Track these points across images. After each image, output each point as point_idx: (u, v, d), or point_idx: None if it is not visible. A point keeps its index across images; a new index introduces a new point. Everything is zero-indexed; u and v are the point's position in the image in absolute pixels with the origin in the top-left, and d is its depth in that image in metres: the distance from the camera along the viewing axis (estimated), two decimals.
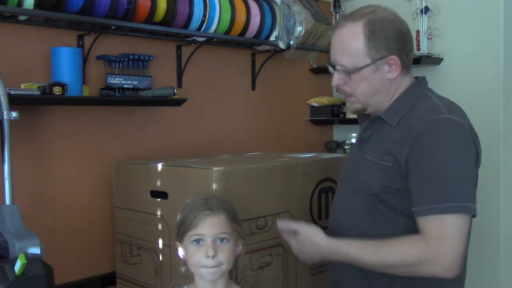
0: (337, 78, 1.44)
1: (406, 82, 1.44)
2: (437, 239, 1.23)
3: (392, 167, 1.33)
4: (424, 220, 1.26)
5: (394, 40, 1.36)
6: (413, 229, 1.31)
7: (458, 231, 1.24)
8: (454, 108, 1.36)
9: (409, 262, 1.28)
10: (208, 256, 1.29)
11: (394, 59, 1.37)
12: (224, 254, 1.31)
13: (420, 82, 1.46)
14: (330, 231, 1.50)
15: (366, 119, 1.54)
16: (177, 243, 1.39)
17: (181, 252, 1.39)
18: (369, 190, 1.39)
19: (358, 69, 1.38)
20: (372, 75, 1.38)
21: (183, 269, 1.39)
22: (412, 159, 1.30)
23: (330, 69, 1.47)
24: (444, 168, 1.26)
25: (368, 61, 1.37)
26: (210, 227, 1.32)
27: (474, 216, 1.28)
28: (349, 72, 1.39)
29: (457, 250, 1.23)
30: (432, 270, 1.25)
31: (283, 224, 1.52)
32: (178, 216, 1.39)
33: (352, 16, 1.40)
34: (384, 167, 1.35)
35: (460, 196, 1.25)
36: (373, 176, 1.38)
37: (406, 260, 1.28)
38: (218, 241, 1.32)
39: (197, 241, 1.32)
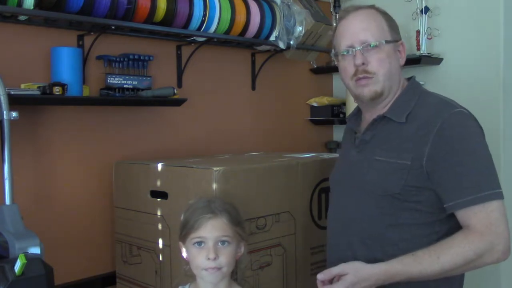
0: (360, 57, 1.40)
1: (402, 79, 1.48)
2: (489, 228, 1.25)
3: (411, 165, 1.33)
4: (467, 213, 1.27)
5: (398, 28, 1.45)
6: (429, 228, 1.33)
7: (503, 215, 1.28)
8: (456, 103, 1.40)
9: (470, 258, 1.26)
10: (209, 259, 1.29)
11: (403, 44, 1.45)
12: (225, 257, 1.32)
13: (414, 80, 1.50)
14: (333, 238, 1.50)
15: (357, 122, 1.56)
16: (180, 243, 1.40)
17: (184, 252, 1.39)
18: (385, 191, 1.37)
19: (387, 42, 1.41)
20: (393, 54, 1.43)
21: (186, 268, 1.39)
22: (436, 156, 1.30)
23: (347, 53, 1.43)
24: (473, 159, 1.29)
25: (390, 38, 1.42)
26: (212, 230, 1.32)
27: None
28: (374, 47, 1.39)
29: (507, 233, 1.27)
30: (493, 258, 1.27)
31: (322, 276, 1.33)
32: (182, 217, 1.40)
33: (359, 6, 1.46)
34: (402, 166, 1.34)
35: (494, 182, 1.30)
36: (389, 176, 1.36)
37: (467, 258, 1.27)
38: (219, 243, 1.32)
39: (199, 243, 1.33)
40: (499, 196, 1.28)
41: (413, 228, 1.35)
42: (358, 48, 1.40)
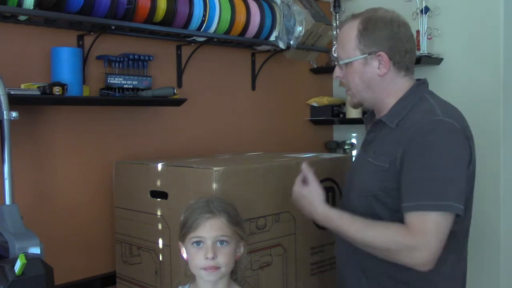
0: (337, 71, 1.53)
1: (405, 84, 1.48)
2: (419, 232, 1.28)
3: (389, 168, 1.38)
4: (409, 216, 1.31)
5: (386, 38, 1.44)
6: None
7: (439, 228, 1.28)
8: (449, 110, 1.40)
9: (389, 247, 1.33)
10: (207, 258, 1.30)
11: (382, 55, 1.44)
12: (224, 257, 1.32)
13: (420, 85, 1.50)
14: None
15: (371, 121, 1.58)
16: (180, 243, 1.40)
17: (184, 252, 1.39)
18: (368, 191, 1.45)
19: (349, 61, 1.47)
20: (362, 68, 1.46)
21: (186, 268, 1.39)
22: (404, 158, 1.35)
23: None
24: (432, 167, 1.30)
25: (358, 54, 1.46)
26: (210, 229, 1.33)
27: (458, 215, 1.31)
28: (342, 63, 1.50)
29: (435, 247, 1.28)
30: (410, 260, 1.30)
31: (305, 169, 1.56)
32: (181, 217, 1.40)
33: (356, 14, 1.50)
34: (382, 168, 1.40)
35: (445, 195, 1.29)
36: (372, 177, 1.44)
37: (387, 244, 1.33)
38: (218, 243, 1.33)
39: (197, 243, 1.33)
40: (445, 208, 1.28)
41: None
42: (336, 62, 1.53)
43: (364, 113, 2.78)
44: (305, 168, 1.56)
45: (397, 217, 1.36)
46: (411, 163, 1.33)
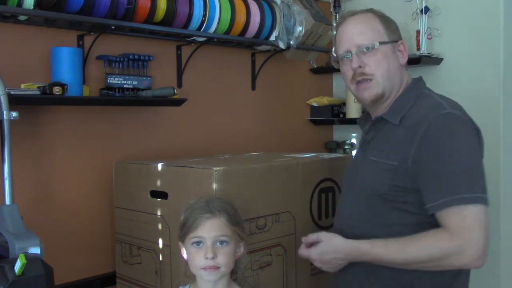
0: (356, 60, 1.44)
1: (407, 76, 1.49)
2: (461, 231, 1.24)
3: (398, 166, 1.34)
4: (444, 214, 1.26)
5: (398, 29, 1.47)
6: (419, 229, 1.31)
7: (480, 220, 1.24)
8: (454, 104, 1.39)
9: (435, 256, 1.27)
10: (207, 258, 1.30)
11: (404, 44, 1.46)
12: (224, 257, 1.32)
13: (418, 81, 1.50)
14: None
15: (367, 122, 1.56)
16: (180, 243, 1.40)
17: (184, 252, 1.39)
18: (373, 190, 1.40)
19: (381, 43, 1.42)
20: (391, 55, 1.44)
21: (186, 268, 1.39)
22: (421, 157, 1.30)
23: (344, 57, 1.47)
24: (455, 161, 1.27)
25: (387, 39, 1.44)
26: (210, 229, 1.33)
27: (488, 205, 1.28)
28: (370, 49, 1.42)
29: (482, 240, 1.23)
30: (460, 262, 1.25)
31: (304, 239, 1.50)
32: (181, 217, 1.40)
33: (356, 11, 1.49)
34: (390, 167, 1.36)
35: (476, 186, 1.26)
36: (378, 176, 1.39)
37: (432, 255, 1.27)
38: (218, 243, 1.33)
39: (197, 243, 1.33)
40: (478, 200, 1.25)
41: (402, 229, 1.35)
42: (354, 52, 1.44)
43: (363, 111, 2.79)
44: (304, 239, 1.49)
45: (409, 219, 1.34)
46: (430, 159, 1.29)
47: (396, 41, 1.45)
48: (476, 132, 1.35)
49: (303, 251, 1.49)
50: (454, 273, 1.37)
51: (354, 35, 1.45)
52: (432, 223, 1.31)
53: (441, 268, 1.30)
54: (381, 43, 1.42)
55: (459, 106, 1.39)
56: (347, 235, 1.43)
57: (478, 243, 1.23)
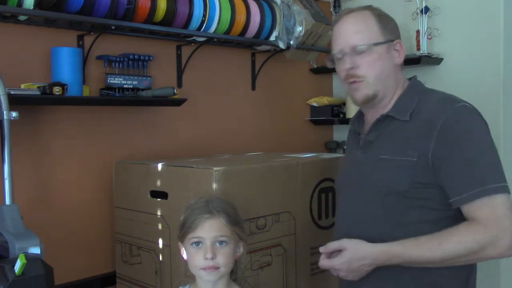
0: (349, 61, 1.42)
1: (403, 78, 1.48)
2: (494, 221, 1.24)
3: (417, 162, 1.32)
4: (472, 206, 1.26)
5: (397, 27, 1.45)
6: (438, 226, 1.29)
7: (508, 209, 1.25)
8: (460, 98, 1.40)
9: (473, 249, 1.25)
10: (206, 258, 1.30)
11: (401, 43, 1.43)
12: (223, 257, 1.32)
13: (416, 80, 1.50)
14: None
15: (360, 125, 1.54)
16: (179, 243, 1.40)
17: (183, 253, 1.39)
18: (390, 190, 1.36)
19: (376, 44, 1.40)
20: (386, 55, 1.41)
21: (186, 268, 1.39)
22: (441, 151, 1.30)
23: (338, 56, 1.45)
24: (478, 153, 1.29)
25: (382, 39, 1.41)
26: (209, 230, 1.33)
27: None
28: (363, 50, 1.40)
29: None
30: (496, 252, 1.25)
31: (323, 249, 1.40)
32: (181, 217, 1.40)
33: (353, 9, 1.47)
34: (408, 163, 1.33)
35: (499, 176, 1.28)
36: (395, 174, 1.35)
37: (469, 248, 1.25)
38: (217, 243, 1.33)
39: (197, 243, 1.33)
40: (505, 190, 1.27)
41: (421, 226, 1.33)
42: (347, 52, 1.42)
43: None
44: (323, 249, 1.39)
45: (425, 215, 1.33)
46: (452, 153, 1.29)
47: (393, 41, 1.43)
48: (486, 125, 1.37)
49: (324, 262, 1.38)
50: (470, 267, 1.38)
51: (349, 34, 1.43)
52: (452, 218, 1.31)
53: (476, 261, 1.31)
54: (375, 44, 1.40)
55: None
56: (361, 239, 1.37)
57: (510, 232, 1.24)
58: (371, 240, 1.35)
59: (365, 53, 1.40)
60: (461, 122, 1.31)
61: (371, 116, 1.49)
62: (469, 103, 1.36)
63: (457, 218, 1.32)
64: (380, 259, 1.32)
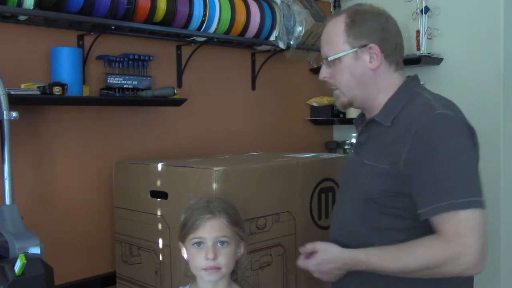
0: (323, 71, 1.45)
1: (396, 80, 1.41)
2: (456, 237, 1.19)
3: (390, 170, 1.30)
4: (438, 220, 1.22)
5: (375, 30, 1.37)
6: (412, 234, 1.27)
7: (475, 225, 1.19)
8: (446, 103, 1.33)
9: (432, 264, 1.22)
10: (208, 259, 1.30)
11: (374, 47, 1.36)
12: (224, 257, 1.32)
13: (411, 80, 1.44)
14: (330, 240, 1.47)
15: (362, 123, 1.52)
16: (180, 244, 1.40)
17: (184, 253, 1.39)
18: (367, 195, 1.36)
19: (338, 57, 1.39)
20: (353, 64, 1.38)
21: (186, 268, 1.39)
22: (412, 160, 1.26)
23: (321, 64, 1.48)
24: (448, 164, 1.22)
25: (347, 48, 1.38)
26: (210, 230, 1.32)
27: (484, 209, 1.23)
28: (330, 60, 1.40)
29: (478, 245, 1.18)
30: (459, 268, 1.20)
31: (302, 249, 1.46)
32: (181, 217, 1.40)
33: (334, 14, 1.47)
34: (381, 170, 1.31)
35: (470, 190, 1.21)
36: (371, 180, 1.35)
37: (428, 262, 1.22)
38: (218, 244, 1.32)
39: (198, 243, 1.33)
40: (476, 204, 1.20)
41: (395, 234, 1.31)
42: (323, 61, 1.44)
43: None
44: (301, 249, 1.45)
45: (398, 223, 1.31)
46: (423, 163, 1.24)
47: (365, 46, 1.37)
48: (470, 133, 1.30)
49: (300, 262, 1.45)
50: (452, 282, 1.32)
51: (322, 44, 1.45)
52: (425, 228, 1.27)
53: (441, 275, 1.24)
54: (339, 56, 1.39)
55: (453, 105, 1.34)
56: (341, 241, 1.40)
57: (474, 249, 1.18)
58: (349, 244, 1.37)
59: (334, 63, 1.41)
60: (435, 130, 1.25)
61: (368, 117, 1.48)
62: (450, 110, 1.29)
63: (431, 227, 1.27)
64: (348, 264, 1.35)
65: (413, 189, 1.26)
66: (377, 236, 1.34)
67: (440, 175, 1.22)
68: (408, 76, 1.46)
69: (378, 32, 1.37)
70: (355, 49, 1.38)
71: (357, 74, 1.39)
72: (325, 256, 1.39)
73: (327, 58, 1.42)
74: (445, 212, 1.20)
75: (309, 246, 1.43)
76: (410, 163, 1.26)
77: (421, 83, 1.46)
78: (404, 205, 1.30)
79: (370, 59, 1.38)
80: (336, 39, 1.40)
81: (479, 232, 1.19)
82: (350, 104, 1.46)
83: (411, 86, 1.41)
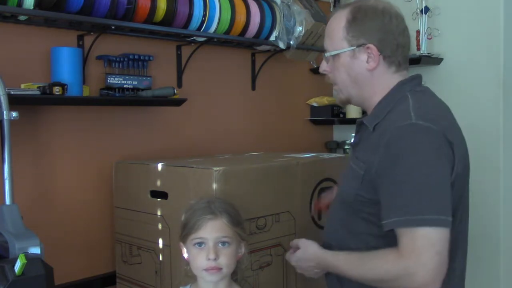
0: (323, 65, 1.44)
1: (394, 81, 1.37)
2: (411, 253, 1.16)
3: (363, 176, 1.28)
4: (397, 233, 1.19)
5: (376, 30, 1.33)
6: (384, 240, 1.25)
7: (432, 243, 1.15)
8: (427, 112, 1.26)
9: (385, 277, 1.21)
10: (209, 259, 1.30)
11: (372, 48, 1.32)
12: (225, 258, 1.32)
13: (405, 82, 1.37)
14: (324, 241, 1.48)
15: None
16: (181, 244, 1.40)
17: (185, 253, 1.39)
18: (343, 198, 1.37)
19: (336, 54, 1.37)
20: (350, 62, 1.36)
21: (186, 268, 1.39)
22: (380, 169, 1.24)
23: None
24: (411, 178, 1.18)
25: (345, 45, 1.35)
26: (211, 230, 1.32)
27: (447, 227, 1.18)
28: (328, 55, 1.40)
29: (433, 263, 1.15)
30: (410, 285, 1.17)
31: (291, 243, 1.52)
32: (182, 217, 1.40)
33: (345, 4, 1.41)
34: (357, 175, 1.30)
35: (429, 207, 1.17)
36: (348, 184, 1.35)
37: (382, 275, 1.22)
38: (219, 244, 1.33)
39: (199, 244, 1.33)
40: (433, 223, 1.15)
41: (369, 239, 1.30)
42: (324, 55, 1.42)
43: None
44: (291, 243, 1.51)
45: (371, 228, 1.29)
46: (387, 174, 1.22)
47: (363, 45, 1.33)
48: (444, 145, 1.22)
49: (286, 256, 1.51)
50: None
51: (325, 36, 1.42)
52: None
53: None
54: (335, 53, 1.37)
55: (434, 114, 1.27)
56: (324, 241, 1.43)
57: (426, 267, 1.14)
58: (331, 245, 1.40)
59: (333, 58, 1.39)
60: (402, 141, 1.21)
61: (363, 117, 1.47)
62: (425, 121, 1.22)
63: None
64: (322, 264, 1.39)
65: (380, 198, 1.25)
66: (352, 239, 1.35)
67: (401, 189, 1.19)
68: (410, 77, 1.41)
69: (378, 32, 1.33)
70: (352, 48, 1.35)
71: (353, 73, 1.37)
72: (303, 254, 1.44)
73: (327, 53, 1.41)
74: (402, 227, 1.18)
75: (294, 242, 1.49)
76: (379, 173, 1.24)
77: (422, 83, 1.43)
78: (377, 211, 1.26)
79: (368, 59, 1.34)
80: (336, 34, 1.37)
81: (434, 250, 1.15)
82: (348, 101, 1.46)
83: (402, 89, 1.35)
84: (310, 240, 1.45)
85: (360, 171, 1.30)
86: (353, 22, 1.34)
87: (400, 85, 1.37)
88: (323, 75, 1.42)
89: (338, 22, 1.37)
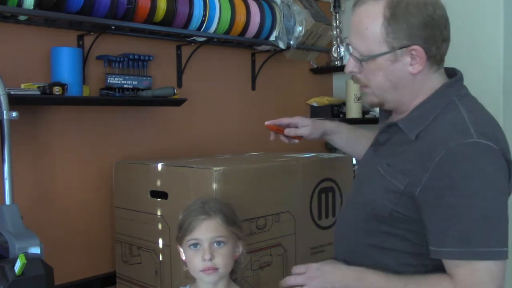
0: (351, 64, 1.22)
1: (435, 81, 1.23)
2: (468, 286, 1.07)
3: (404, 191, 1.14)
4: (451, 263, 1.09)
5: (420, 27, 1.15)
6: (417, 259, 1.17)
7: (492, 277, 1.06)
8: (485, 126, 1.13)
9: None
10: (204, 259, 1.29)
11: (417, 50, 1.15)
12: (221, 258, 1.31)
13: (451, 85, 1.24)
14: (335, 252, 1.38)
15: (385, 118, 1.34)
16: (178, 246, 1.40)
17: (182, 254, 1.39)
18: (374, 208, 1.21)
19: (372, 57, 1.17)
20: (390, 66, 1.17)
21: (186, 269, 1.39)
22: (431, 189, 1.10)
23: (348, 49, 1.26)
24: (469, 204, 1.06)
25: (385, 48, 1.16)
26: (206, 231, 1.32)
27: (507, 259, 1.09)
28: (362, 60, 1.19)
29: None
30: None
31: (294, 270, 1.33)
32: (179, 219, 1.40)
33: None
34: (395, 188, 1.16)
35: (493, 238, 1.06)
36: (381, 195, 1.19)
37: None
38: (215, 244, 1.32)
39: (194, 245, 1.33)
40: (495, 256, 1.06)
41: (400, 256, 1.19)
42: (351, 51, 1.22)
43: (364, 113, 2.79)
44: (294, 269, 1.32)
45: (404, 245, 1.18)
46: (442, 196, 1.08)
47: (407, 47, 1.15)
48: (505, 166, 1.11)
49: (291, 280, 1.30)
50: None
51: (352, 32, 1.21)
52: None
53: None
54: (371, 56, 1.17)
55: (492, 128, 1.15)
56: (338, 250, 1.32)
57: None
58: (347, 254, 1.28)
59: (364, 60, 1.20)
60: (462, 162, 1.07)
61: (395, 115, 1.29)
62: (487, 138, 1.09)
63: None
64: (349, 278, 1.22)
65: (426, 220, 1.12)
66: (379, 255, 1.22)
67: (460, 215, 1.07)
68: (451, 73, 1.29)
69: (424, 29, 1.16)
70: (394, 51, 1.16)
71: (394, 78, 1.19)
72: (333, 267, 1.27)
73: (357, 54, 1.21)
74: (458, 259, 1.08)
75: (302, 267, 1.29)
76: (428, 192, 1.11)
77: (463, 85, 1.29)
78: (415, 229, 1.16)
79: (412, 61, 1.17)
80: (371, 34, 1.16)
81: (495, 285, 1.07)
82: (380, 105, 1.27)
83: (447, 93, 1.21)
84: (325, 262, 1.29)
85: (399, 185, 1.15)
86: (393, 19, 1.14)
87: (445, 88, 1.23)
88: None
89: (373, 19, 1.15)
